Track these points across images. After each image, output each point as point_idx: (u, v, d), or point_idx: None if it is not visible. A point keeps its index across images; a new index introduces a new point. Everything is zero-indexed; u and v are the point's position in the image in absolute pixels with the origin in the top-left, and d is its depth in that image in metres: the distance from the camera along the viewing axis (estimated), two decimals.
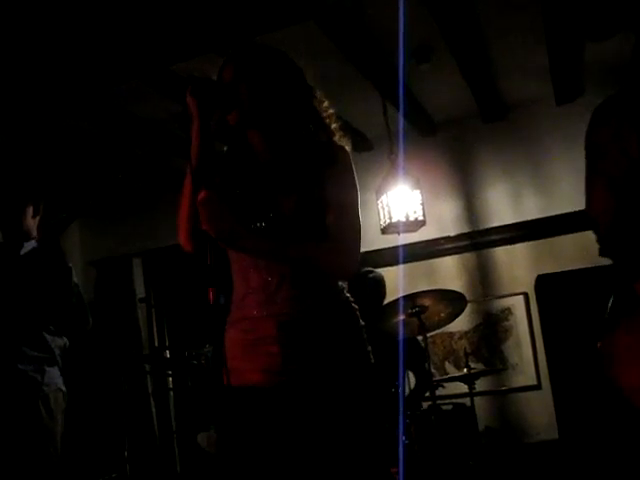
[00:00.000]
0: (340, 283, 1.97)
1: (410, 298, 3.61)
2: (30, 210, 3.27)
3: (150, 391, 6.39)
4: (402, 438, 2.57)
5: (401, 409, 3.39)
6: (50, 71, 3.94)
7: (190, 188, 1.88)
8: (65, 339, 3.30)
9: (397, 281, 4.92)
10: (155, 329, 6.76)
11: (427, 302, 3.61)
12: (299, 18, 3.71)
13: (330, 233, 1.90)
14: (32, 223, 3.29)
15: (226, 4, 3.54)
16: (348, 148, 2.01)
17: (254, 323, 1.88)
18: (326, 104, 2.04)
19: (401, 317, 3.62)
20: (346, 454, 1.81)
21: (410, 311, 3.60)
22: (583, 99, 5.40)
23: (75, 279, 3.31)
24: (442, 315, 3.75)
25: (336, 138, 2.02)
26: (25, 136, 4.94)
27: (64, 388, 3.24)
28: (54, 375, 3.20)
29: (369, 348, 1.93)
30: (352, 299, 1.98)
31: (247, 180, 1.96)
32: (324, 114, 2.02)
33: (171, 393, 6.37)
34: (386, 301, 4.19)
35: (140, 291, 6.76)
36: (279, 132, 1.95)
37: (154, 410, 6.38)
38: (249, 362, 1.86)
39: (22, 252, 3.25)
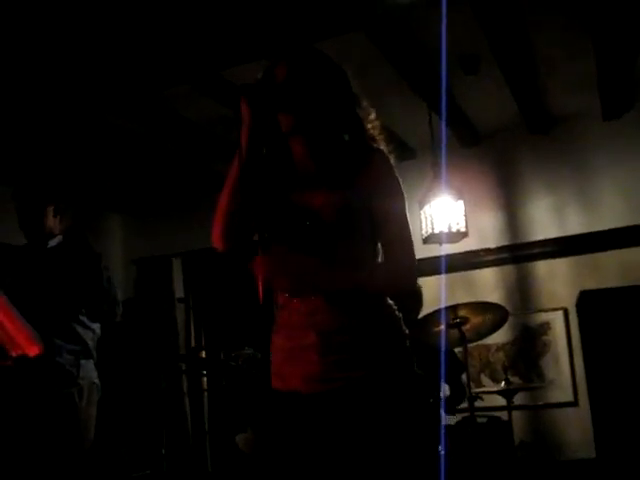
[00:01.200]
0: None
1: (451, 309, 3.60)
2: (51, 210, 3.31)
3: (185, 390, 6.45)
4: (442, 451, 2.55)
5: (443, 421, 3.39)
6: (100, 71, 4.01)
7: (231, 188, 1.88)
8: (97, 329, 3.32)
9: (436, 291, 4.91)
10: (192, 330, 6.83)
11: (468, 313, 3.61)
12: (350, 28, 3.74)
13: (391, 252, 1.90)
14: (54, 223, 3.32)
15: (279, 12, 3.59)
16: (392, 158, 2.00)
17: (295, 331, 1.88)
18: (372, 114, 2.04)
19: (443, 327, 3.61)
20: (386, 466, 1.80)
21: (451, 322, 3.60)
22: (630, 115, 5.35)
23: (105, 264, 3.33)
24: (483, 327, 3.75)
25: (380, 146, 2.01)
26: (58, 133, 5.01)
27: (98, 381, 3.30)
28: (89, 368, 3.25)
29: (414, 358, 1.93)
30: (395, 307, 1.97)
31: (285, 187, 1.95)
32: (369, 124, 2.02)
33: (205, 393, 6.42)
34: (424, 311, 4.18)
35: (179, 291, 6.84)
36: (324, 139, 1.94)
37: (188, 409, 6.44)
38: (290, 367, 1.86)
39: (48, 247, 3.31)
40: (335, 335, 1.83)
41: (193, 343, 6.83)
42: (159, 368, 6.07)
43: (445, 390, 4.21)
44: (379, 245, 1.94)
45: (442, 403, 3.60)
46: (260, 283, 1.73)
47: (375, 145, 1.99)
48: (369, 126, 2.00)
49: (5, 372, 3.01)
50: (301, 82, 1.87)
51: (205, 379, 6.33)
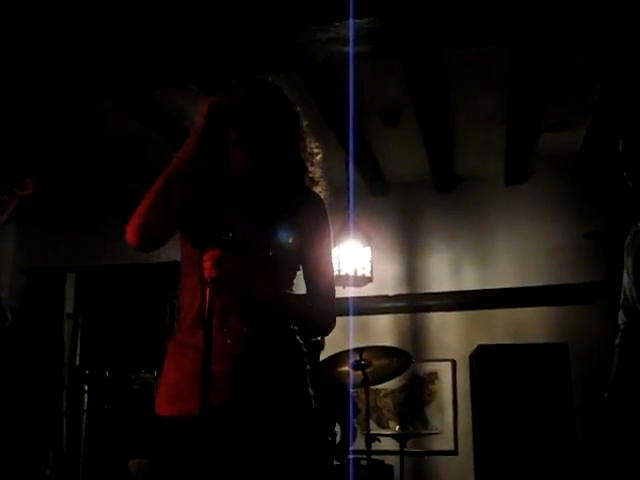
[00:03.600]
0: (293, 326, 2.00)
1: (357, 351, 3.69)
2: None
3: (64, 409, 6.23)
4: None
5: (351, 458, 3.44)
6: (28, 80, 3.92)
7: (160, 186, 1.86)
8: None
9: (334, 333, 4.98)
10: (78, 347, 6.62)
11: (372, 356, 3.70)
12: (283, 69, 3.82)
13: (316, 290, 1.97)
14: None
15: (216, 44, 3.62)
16: (325, 200, 2.08)
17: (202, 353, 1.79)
18: (318, 156, 2.12)
19: (351, 368, 3.68)
20: None
21: (356, 364, 3.68)
22: (530, 183, 5.69)
23: None
24: (385, 371, 3.85)
25: (317, 188, 2.09)
26: None
27: None
28: None
29: (312, 392, 1.96)
30: (302, 342, 2.02)
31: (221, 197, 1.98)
32: (312, 164, 2.09)
33: (85, 414, 6.22)
34: (329, 351, 4.24)
35: (69, 307, 6.63)
36: (266, 157, 1.98)
37: (65, 429, 6.22)
38: (194, 393, 1.71)
39: None
40: (246, 362, 1.85)
41: (78, 361, 6.62)
42: (40, 383, 5.85)
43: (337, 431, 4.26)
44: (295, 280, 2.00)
45: (351, 439, 3.65)
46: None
47: (314, 187, 2.06)
48: (311, 167, 2.08)
49: None
50: (253, 101, 1.94)
51: (86, 398, 6.14)
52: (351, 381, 3.68)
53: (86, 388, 5.89)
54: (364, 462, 4.30)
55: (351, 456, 3.49)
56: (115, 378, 5.01)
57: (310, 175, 2.08)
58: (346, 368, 3.72)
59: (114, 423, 5.04)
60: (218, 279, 1.73)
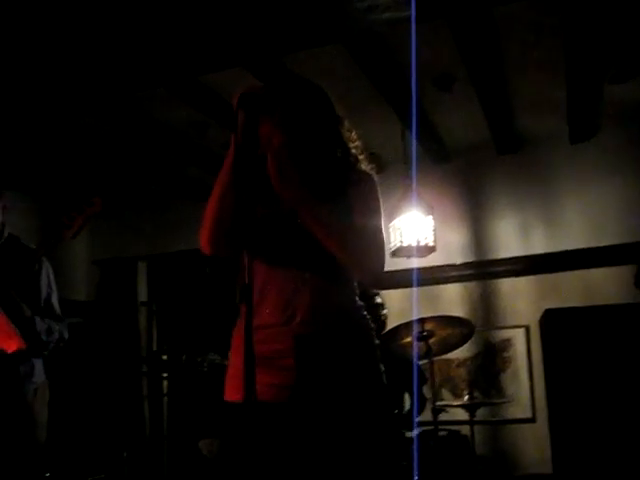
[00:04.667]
0: (358, 300, 1.99)
1: (419, 322, 3.65)
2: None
3: (145, 394, 6.41)
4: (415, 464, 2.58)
5: (415, 432, 3.42)
6: (75, 70, 3.99)
7: (219, 192, 1.89)
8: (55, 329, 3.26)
9: (401, 304, 4.97)
10: (155, 333, 6.79)
11: (435, 327, 3.66)
12: (327, 41, 3.78)
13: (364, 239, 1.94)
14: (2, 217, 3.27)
15: (259, 22, 3.61)
16: (375, 177, 2.05)
17: (269, 334, 1.87)
18: (354, 134, 2.10)
19: (415, 339, 3.65)
20: (352, 475, 1.82)
21: (419, 335, 3.64)
22: (597, 139, 5.48)
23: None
24: (449, 341, 3.81)
25: (362, 165, 2.07)
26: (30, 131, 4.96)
27: (46, 378, 3.25)
28: (40, 367, 3.21)
29: (383, 368, 1.95)
30: (369, 317, 1.99)
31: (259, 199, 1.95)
32: (352, 144, 2.07)
33: (165, 398, 6.38)
34: (392, 323, 4.22)
35: (143, 295, 6.80)
36: (305, 149, 1.97)
37: (147, 413, 6.40)
38: (260, 375, 1.71)
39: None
40: (311, 339, 1.85)
41: (155, 347, 6.79)
42: (119, 371, 6.02)
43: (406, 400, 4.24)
44: None
45: (415, 414, 3.63)
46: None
47: (359, 165, 2.04)
48: (352, 146, 2.07)
49: None
50: (292, 103, 1.94)
51: (165, 383, 6.29)
52: (415, 352, 3.65)
53: (165, 375, 6.02)
54: (442, 433, 4.29)
55: (416, 427, 3.45)
56: (190, 361, 5.09)
57: (354, 153, 2.06)
58: (410, 339, 3.69)
59: (189, 405, 5.14)
60: None
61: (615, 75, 4.63)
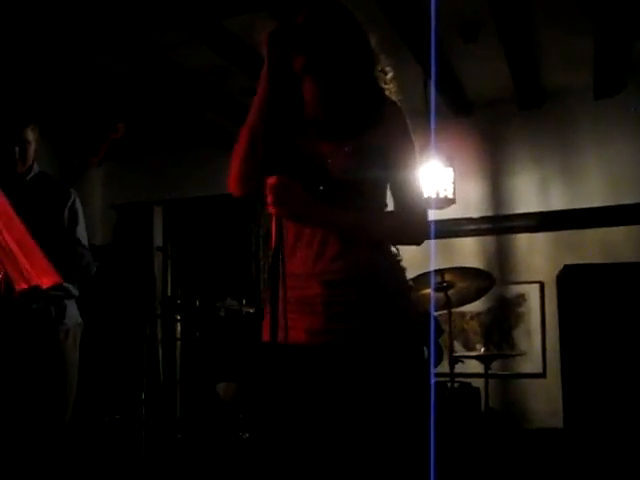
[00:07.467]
0: (392, 247, 1.96)
1: (438, 273, 3.65)
2: (31, 132, 3.14)
3: (159, 338, 6.48)
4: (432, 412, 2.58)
5: (432, 381, 3.43)
6: (97, 12, 3.94)
7: (250, 128, 1.86)
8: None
9: (418, 255, 4.93)
10: (169, 278, 6.84)
11: (455, 278, 3.65)
12: None
13: (403, 200, 1.92)
14: (32, 149, 3.17)
15: None
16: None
17: (299, 281, 1.87)
18: (390, 74, 2.04)
19: (432, 290, 3.65)
20: (382, 420, 1.82)
21: (437, 286, 3.64)
22: (621, 97, 5.39)
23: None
24: (468, 293, 3.81)
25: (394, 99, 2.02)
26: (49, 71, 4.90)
27: (81, 321, 3.24)
28: (73, 309, 3.18)
29: (416, 309, 1.95)
30: (400, 257, 1.98)
31: (294, 131, 1.93)
32: (384, 77, 2.02)
33: (178, 342, 6.45)
34: (410, 273, 4.21)
35: (158, 240, 6.82)
36: (335, 82, 1.93)
37: (161, 357, 6.48)
38: (292, 320, 1.81)
39: (28, 179, 3.19)
40: (340, 285, 1.84)
41: (169, 292, 6.84)
42: (135, 315, 6.08)
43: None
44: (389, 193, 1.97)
45: (433, 363, 3.65)
46: (274, 221, 1.71)
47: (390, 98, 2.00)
48: (386, 86, 2.01)
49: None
50: (318, 24, 1.88)
51: (179, 328, 6.35)
52: (432, 303, 3.65)
53: (178, 318, 6.08)
54: (454, 384, 4.31)
55: (434, 379, 3.47)
56: (205, 307, 5.13)
57: (386, 89, 2.02)
58: (428, 290, 3.69)
59: (205, 350, 5.20)
60: (277, 207, 1.73)
61: None
